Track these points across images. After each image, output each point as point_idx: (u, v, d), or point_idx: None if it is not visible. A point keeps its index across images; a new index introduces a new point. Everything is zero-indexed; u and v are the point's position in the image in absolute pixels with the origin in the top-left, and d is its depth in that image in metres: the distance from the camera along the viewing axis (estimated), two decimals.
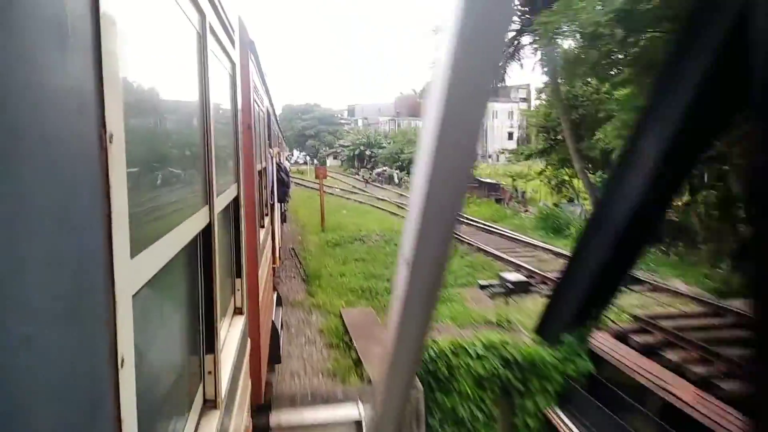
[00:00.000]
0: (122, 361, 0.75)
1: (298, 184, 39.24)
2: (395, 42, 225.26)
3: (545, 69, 19.38)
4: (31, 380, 0.53)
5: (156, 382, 1.19)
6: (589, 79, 18.80)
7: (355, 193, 32.70)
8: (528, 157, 29.11)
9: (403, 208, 23.41)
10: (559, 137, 22.89)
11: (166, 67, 1.26)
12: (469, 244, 15.10)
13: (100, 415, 0.71)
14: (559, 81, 19.02)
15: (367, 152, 55.44)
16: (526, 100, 70.05)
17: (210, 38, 1.63)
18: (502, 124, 70.60)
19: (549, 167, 26.15)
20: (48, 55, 0.59)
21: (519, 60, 20.28)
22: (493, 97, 68.49)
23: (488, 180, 34.17)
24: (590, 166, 21.08)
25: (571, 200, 26.24)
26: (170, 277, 1.28)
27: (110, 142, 0.72)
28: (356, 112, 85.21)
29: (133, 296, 0.83)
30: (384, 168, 47.44)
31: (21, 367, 0.51)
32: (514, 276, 10.86)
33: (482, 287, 10.51)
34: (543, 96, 26.65)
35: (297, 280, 10.99)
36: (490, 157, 64.70)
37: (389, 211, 23.36)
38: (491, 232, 17.97)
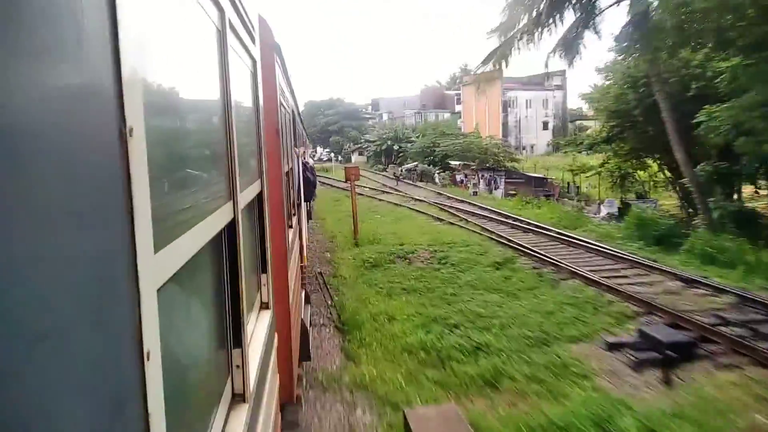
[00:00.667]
0: (148, 354, 0.76)
1: (323, 183, 36.01)
2: (418, 34, 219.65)
3: (624, 41, 16.52)
4: (55, 377, 0.53)
5: (184, 376, 1.21)
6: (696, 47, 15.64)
7: (387, 192, 29.74)
8: (590, 147, 25.58)
9: (447, 210, 20.76)
10: (633, 122, 19.55)
11: (186, 63, 1.27)
12: (554, 264, 11.37)
13: (128, 410, 0.71)
14: (651, 52, 15.52)
15: (395, 147, 52.19)
16: (561, 87, 66.24)
17: (230, 35, 1.64)
18: (536, 114, 65.63)
19: (615, 158, 22.79)
20: (66, 52, 0.59)
21: (596, 30, 17.53)
22: (524, 84, 64.62)
23: (534, 174, 30.76)
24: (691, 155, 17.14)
25: (640, 196, 22.87)
26: (195, 271, 1.29)
27: (130, 135, 0.73)
28: (380, 106, 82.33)
29: (158, 290, 0.83)
30: (415, 163, 43.72)
31: (45, 364, 0.52)
32: (664, 331, 6.95)
33: (611, 346, 6.98)
34: (608, 75, 22.72)
35: (329, 329, 7.82)
36: (524, 148, 61.14)
37: (432, 216, 19.66)
38: (572, 244, 13.84)
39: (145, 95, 0.81)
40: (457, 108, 69.62)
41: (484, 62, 22.02)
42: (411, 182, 37.17)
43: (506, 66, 21.18)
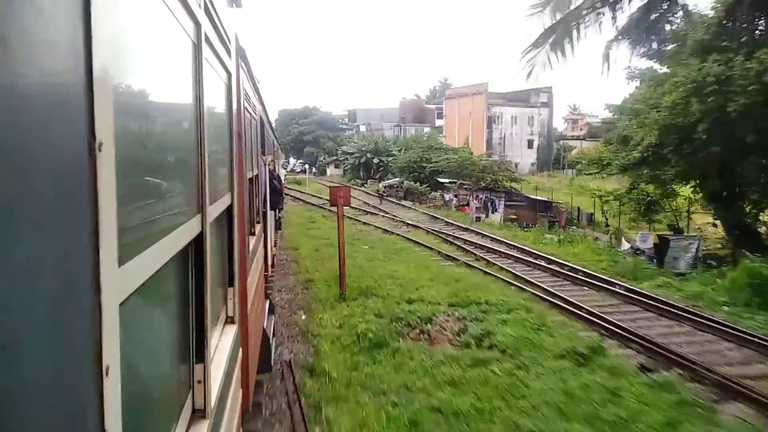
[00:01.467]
0: (107, 370, 0.75)
1: (295, 198, 32.25)
2: (396, 47, 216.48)
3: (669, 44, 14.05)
4: (8, 389, 0.53)
5: (144, 392, 1.18)
6: None
7: (371, 213, 26.71)
8: (624, 170, 19.82)
9: (453, 243, 17.60)
10: (690, 139, 15.09)
11: (160, 76, 1.27)
12: (684, 365, 7.37)
13: (83, 426, 0.70)
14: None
15: (375, 160, 48.19)
16: (547, 105, 63.89)
17: (206, 48, 1.64)
18: (521, 131, 62.49)
19: (652, 182, 18.89)
20: (34, 63, 0.59)
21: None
22: (509, 100, 62.16)
23: (536, 197, 27.93)
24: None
25: (676, 230, 19.55)
26: (161, 285, 1.27)
27: (99, 150, 0.73)
28: (357, 117, 77.59)
29: (121, 305, 0.83)
30: (398, 179, 39.82)
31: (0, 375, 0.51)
32: None
33: None
34: (651, 81, 18.61)
35: None
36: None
37: (435, 250, 16.25)
38: (670, 314, 9.83)
39: (117, 109, 0.81)
40: (438, 122, 67.76)
41: (535, 45, 13.13)
42: (395, 201, 33.81)
43: (572, 51, 12.61)
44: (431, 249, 16.70)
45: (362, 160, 49.77)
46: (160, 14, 1.18)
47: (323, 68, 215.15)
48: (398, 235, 19.58)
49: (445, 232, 20.70)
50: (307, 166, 56.65)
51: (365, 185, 46.05)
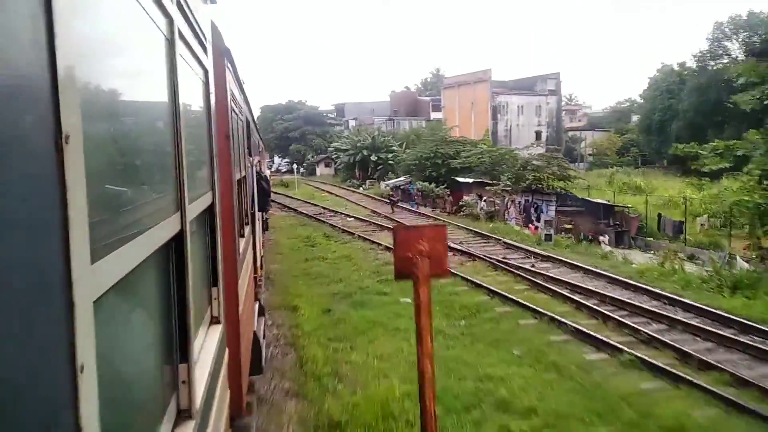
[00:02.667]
0: (82, 367, 0.74)
1: (284, 206, 27.56)
2: (384, 37, 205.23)
3: None
4: None
5: (125, 392, 1.17)
6: None
7: (385, 226, 20.29)
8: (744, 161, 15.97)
9: (555, 292, 11.35)
10: None
11: (131, 71, 1.25)
12: None
13: (57, 424, 0.69)
14: None
15: (373, 158, 42.56)
16: (554, 93, 58.65)
17: (179, 43, 1.62)
18: (528, 122, 56.22)
19: None
20: None
21: None
22: (511, 89, 56.94)
23: (595, 199, 22.66)
24: None
25: None
26: (140, 283, 1.26)
27: (66, 143, 0.71)
28: (345, 111, 71.56)
29: (95, 302, 0.82)
30: (404, 179, 33.70)
31: None
32: None
33: None
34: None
35: None
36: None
37: (529, 307, 10.26)
38: None
39: (84, 102, 0.79)
40: (434, 115, 62.12)
41: None
42: (409, 207, 27.35)
43: None
44: (529, 309, 10.22)
45: (358, 157, 43.83)
46: (129, 8, 1.16)
47: (306, 61, 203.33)
48: (455, 274, 12.29)
49: (519, 265, 14.17)
50: (295, 165, 50.50)
51: (363, 186, 40.91)
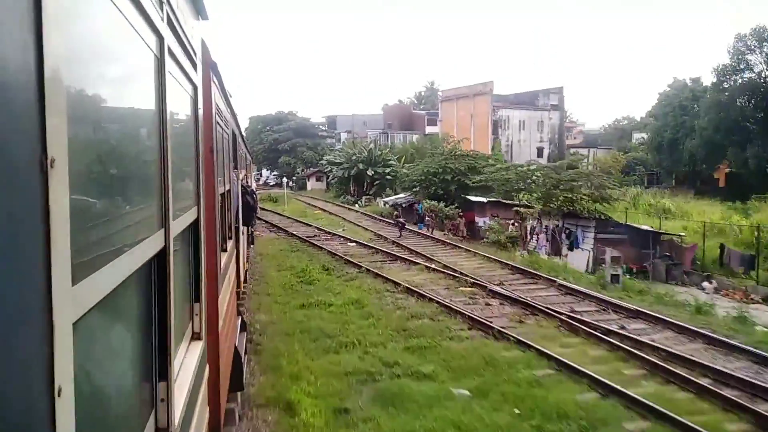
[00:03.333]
0: (59, 390, 0.73)
1: (273, 226, 24.45)
2: (376, 49, 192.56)
3: None
4: None
5: (102, 412, 1.16)
6: None
7: (402, 258, 16.96)
8: None
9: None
10: None
11: (120, 90, 1.26)
12: None
13: None
14: None
15: (369, 172, 39.79)
16: (557, 108, 56.31)
17: (169, 61, 1.64)
18: (530, 137, 53.91)
19: None
20: None
21: None
22: (511, 103, 54.15)
23: (642, 226, 19.31)
24: None
25: None
26: (120, 302, 1.25)
27: (51, 167, 0.72)
28: (337, 124, 69.61)
29: (74, 324, 0.81)
30: (405, 196, 31.04)
31: None
32: None
33: None
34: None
35: None
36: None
37: None
38: None
39: (70, 122, 0.79)
40: (430, 129, 60.04)
41: None
42: (417, 230, 23.64)
43: None
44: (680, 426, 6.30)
45: (353, 171, 40.93)
46: (119, 29, 1.18)
47: (297, 72, 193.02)
48: (522, 342, 9.02)
49: (602, 325, 10.28)
50: (285, 179, 46.73)
51: (359, 203, 37.90)
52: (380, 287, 13.25)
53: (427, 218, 24.81)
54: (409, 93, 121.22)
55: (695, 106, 46.82)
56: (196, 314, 2.32)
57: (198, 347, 2.25)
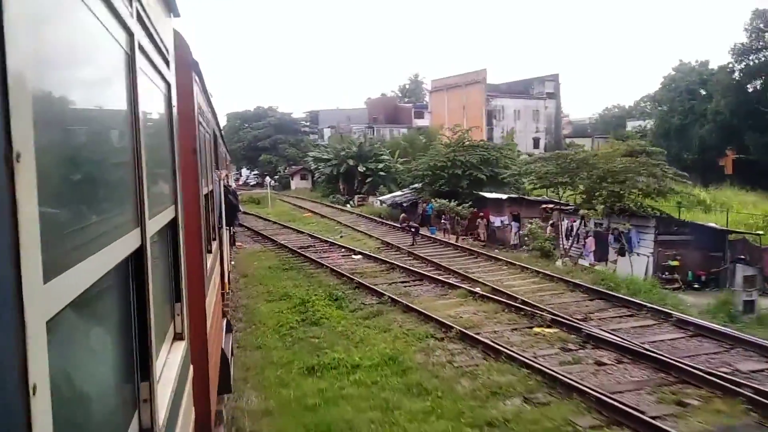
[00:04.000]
0: (34, 388, 0.73)
1: (257, 233, 21.46)
2: (357, 41, 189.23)
3: None
4: None
5: (83, 411, 1.15)
6: None
7: (425, 277, 13.78)
8: None
9: None
10: None
11: (89, 86, 1.25)
12: None
13: None
14: None
15: (360, 168, 36.91)
16: (553, 96, 54.36)
17: (140, 57, 1.62)
18: (525, 128, 50.80)
19: None
20: None
21: None
22: (503, 92, 51.83)
23: (712, 224, 16.03)
24: None
25: None
26: (98, 300, 1.24)
27: (17, 161, 0.71)
28: (320, 119, 66.60)
29: (48, 322, 0.81)
30: (405, 193, 28.21)
31: None
32: None
33: None
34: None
35: None
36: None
37: None
38: None
39: (37, 118, 0.78)
40: (417, 122, 58.03)
41: None
42: (431, 235, 20.31)
43: None
44: None
45: (342, 168, 38.00)
46: (86, 24, 1.16)
47: (275, 66, 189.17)
48: None
49: None
50: (268, 179, 43.08)
51: (351, 203, 34.74)
52: (420, 330, 9.63)
53: (443, 220, 21.59)
54: (393, 86, 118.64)
55: (702, 90, 43.97)
56: (178, 314, 2.31)
57: (181, 347, 2.23)
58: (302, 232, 22.25)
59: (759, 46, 38.33)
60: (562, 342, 9.31)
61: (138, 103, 1.54)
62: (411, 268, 15.09)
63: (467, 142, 28.53)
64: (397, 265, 15.31)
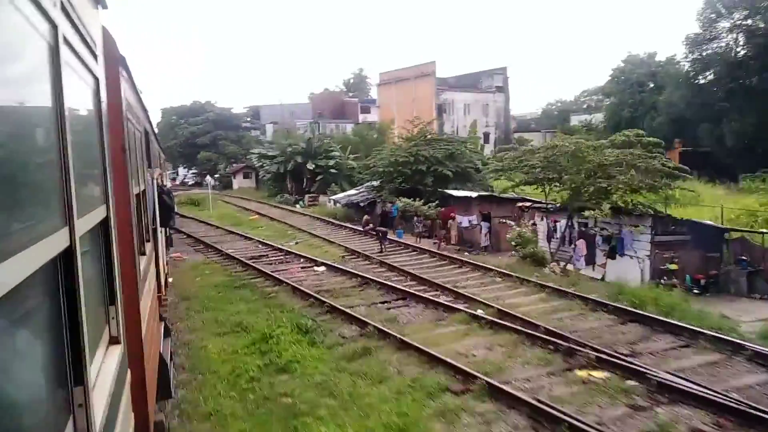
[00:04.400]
0: None
1: (198, 241, 19.09)
2: (298, 36, 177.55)
3: None
4: None
5: (13, 416, 1.11)
6: None
7: (409, 295, 11.62)
8: None
9: None
10: None
11: (9, 80, 1.20)
12: None
13: None
14: None
15: (309, 166, 35.44)
16: (502, 90, 54.62)
17: (65, 51, 1.56)
18: (475, 122, 50.80)
19: None
20: None
21: None
22: (452, 86, 51.52)
23: (709, 222, 15.21)
24: None
25: None
26: (23, 303, 1.20)
27: None
28: (262, 115, 64.81)
29: None
30: (359, 191, 26.90)
31: None
32: None
33: None
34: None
35: None
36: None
37: None
38: None
39: None
40: (364, 117, 57.15)
41: None
42: (399, 240, 18.83)
43: None
44: None
45: (289, 166, 36.26)
46: (5, 15, 1.11)
47: (212, 61, 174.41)
48: None
49: None
50: (209, 178, 39.30)
51: (301, 203, 33.24)
52: (428, 379, 7.38)
53: (417, 223, 20.09)
54: (337, 81, 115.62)
55: (651, 83, 44.40)
56: (113, 317, 2.24)
57: (117, 351, 2.17)
58: (251, 239, 20.01)
59: (711, 36, 38.13)
60: (624, 394, 6.99)
61: (63, 99, 1.49)
62: (388, 282, 12.86)
63: (429, 136, 27.13)
64: (371, 279, 13.20)
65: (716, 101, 35.87)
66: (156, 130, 9.77)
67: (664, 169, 15.39)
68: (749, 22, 35.95)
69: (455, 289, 12.20)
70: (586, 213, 14.95)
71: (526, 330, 9.23)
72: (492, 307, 10.60)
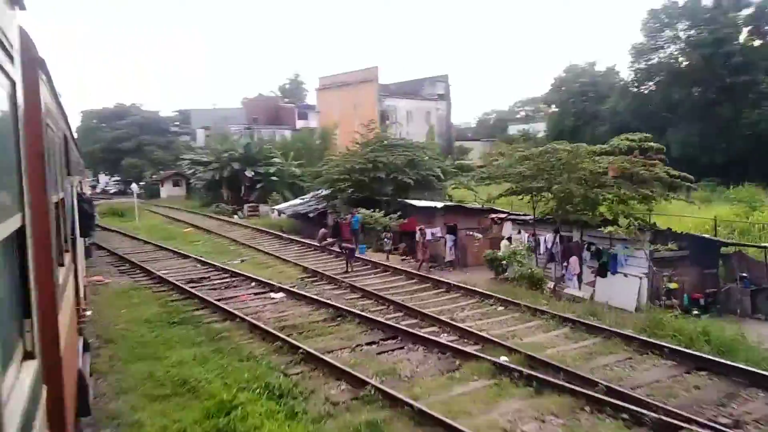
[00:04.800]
0: None
1: (122, 259, 16.63)
2: (230, 40, 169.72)
3: None
4: None
5: None
6: None
7: (399, 332, 9.13)
8: None
9: None
10: None
11: None
12: None
13: None
14: None
15: (248, 173, 33.57)
16: (444, 98, 54.61)
17: None
18: (417, 130, 49.37)
19: None
20: None
21: None
22: (393, 93, 51.05)
23: (707, 236, 14.16)
24: None
25: None
26: None
27: None
28: (192, 119, 61.86)
29: None
30: (306, 200, 25.24)
31: None
32: None
33: None
34: None
35: None
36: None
37: None
38: None
39: None
40: (301, 123, 56.24)
41: None
42: (360, 254, 16.52)
43: None
44: None
45: (225, 173, 34.09)
46: None
47: (137, 62, 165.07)
48: None
49: None
50: (134, 185, 34.79)
51: (239, 213, 30.90)
52: None
53: (385, 238, 17.82)
54: (272, 86, 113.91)
55: (591, 93, 44.92)
56: (28, 331, 2.14)
57: (32, 367, 2.08)
58: (187, 256, 17.05)
59: (655, 46, 38.36)
60: None
61: None
62: (369, 315, 10.34)
63: (386, 141, 25.45)
64: (345, 310, 10.64)
65: (661, 111, 36.51)
66: (75, 136, 9.10)
67: (668, 179, 13.83)
68: (692, 32, 37.38)
69: (455, 323, 9.97)
70: (607, 229, 12.98)
71: (579, 389, 6.85)
72: (516, 352, 8.24)
